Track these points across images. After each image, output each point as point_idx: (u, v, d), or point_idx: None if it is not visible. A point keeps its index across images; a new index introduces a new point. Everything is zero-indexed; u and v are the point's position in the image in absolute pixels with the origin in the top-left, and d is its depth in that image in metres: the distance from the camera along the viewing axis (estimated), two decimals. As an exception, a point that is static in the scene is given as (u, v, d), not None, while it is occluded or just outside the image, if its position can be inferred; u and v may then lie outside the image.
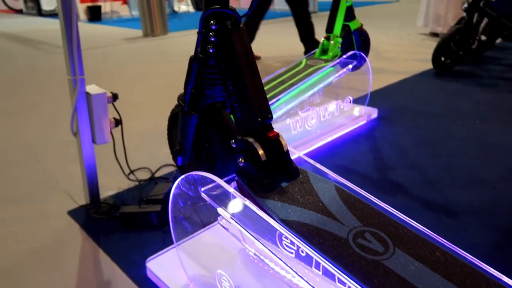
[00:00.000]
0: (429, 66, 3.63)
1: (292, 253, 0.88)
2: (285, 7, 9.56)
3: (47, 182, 1.81)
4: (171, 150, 1.09)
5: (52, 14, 10.37)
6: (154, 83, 3.44)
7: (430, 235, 0.82)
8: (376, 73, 3.42)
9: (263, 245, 0.79)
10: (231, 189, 0.87)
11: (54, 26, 8.11)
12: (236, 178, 0.91)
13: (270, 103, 1.84)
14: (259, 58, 4.03)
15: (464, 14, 3.34)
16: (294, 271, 0.73)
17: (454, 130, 2.24)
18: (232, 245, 1.16)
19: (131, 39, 6.02)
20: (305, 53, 3.84)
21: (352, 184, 0.95)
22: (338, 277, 0.71)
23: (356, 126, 2.34)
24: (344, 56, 2.16)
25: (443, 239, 0.83)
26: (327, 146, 2.10)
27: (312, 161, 1.03)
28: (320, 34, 4.04)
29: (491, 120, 2.37)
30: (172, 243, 1.34)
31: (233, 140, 0.91)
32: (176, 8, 10.14)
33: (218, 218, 0.88)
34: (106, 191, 1.72)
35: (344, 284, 0.70)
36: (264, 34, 5.73)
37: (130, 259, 1.30)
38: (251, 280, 1.01)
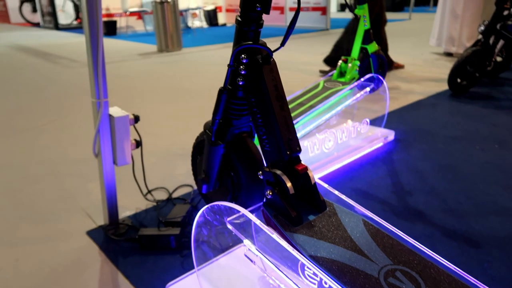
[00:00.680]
0: (445, 87, 3.63)
1: (314, 283, 0.87)
2: (301, 23, 9.62)
3: (66, 201, 1.83)
4: (195, 177, 1.10)
5: (68, 28, 10.61)
6: (169, 99, 3.47)
7: (461, 274, 0.81)
8: (392, 93, 3.43)
9: (287, 276, 0.78)
10: (257, 221, 0.87)
11: (70, 40, 8.28)
12: (262, 209, 0.91)
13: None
14: (402, 67, 4.12)
15: (480, 35, 3.34)
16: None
17: (472, 154, 2.22)
18: (252, 272, 1.15)
19: (146, 54, 6.11)
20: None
21: (379, 218, 0.94)
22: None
23: (373, 148, 2.33)
24: (362, 79, 2.16)
25: (475, 280, 0.81)
26: (344, 168, 2.09)
27: (337, 192, 1.02)
28: (330, 48, 4.08)
29: (510, 145, 2.34)
30: (191, 267, 1.34)
31: (260, 172, 0.91)
32: (189, 24, 10.31)
33: (245, 250, 0.87)
34: (124, 211, 1.73)
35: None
36: (281, 51, 5.77)
37: (150, 283, 1.29)
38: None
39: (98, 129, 1.46)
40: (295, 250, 0.79)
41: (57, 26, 10.52)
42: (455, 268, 0.82)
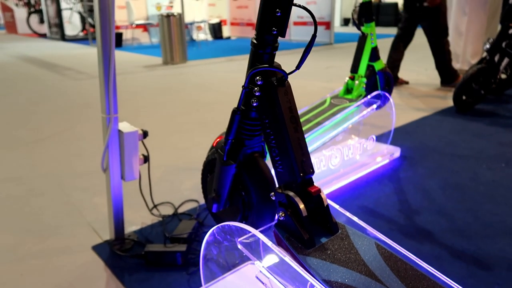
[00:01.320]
0: (450, 103, 3.63)
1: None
2: (301, 37, 9.69)
3: (72, 215, 1.82)
4: (205, 196, 1.10)
5: (74, 39, 10.72)
6: (174, 112, 3.49)
7: None
8: (397, 109, 3.43)
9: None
10: (269, 242, 0.86)
11: (77, 51, 8.36)
12: (274, 230, 0.90)
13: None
14: (407, 83, 4.23)
15: (485, 53, 3.36)
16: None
17: (479, 173, 2.21)
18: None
19: (151, 67, 6.16)
20: (441, 83, 4.06)
21: (391, 241, 0.93)
22: None
23: (379, 165, 2.32)
24: (369, 96, 2.17)
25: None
26: (351, 185, 2.08)
27: (348, 214, 1.02)
28: (334, 63, 4.10)
29: (517, 164, 2.34)
30: (197, 285, 1.33)
31: (273, 193, 0.91)
32: (194, 37, 10.40)
33: (256, 272, 0.87)
34: (130, 226, 1.72)
35: None
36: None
37: (155, 301, 1.28)
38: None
39: (107, 144, 1.46)
40: (308, 274, 0.79)
41: (63, 37, 10.64)
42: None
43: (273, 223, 0.90)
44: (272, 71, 0.89)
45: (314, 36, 0.87)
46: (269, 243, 0.85)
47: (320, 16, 9.23)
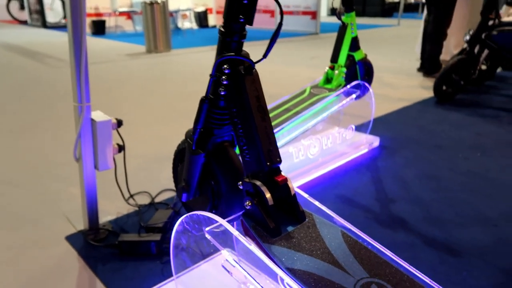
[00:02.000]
0: (431, 93, 3.66)
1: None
2: (291, 27, 9.61)
3: (46, 205, 1.79)
4: (176, 185, 1.09)
5: (56, 27, 10.48)
6: (155, 101, 3.45)
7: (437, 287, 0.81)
8: (378, 99, 3.44)
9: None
10: (236, 232, 0.86)
11: (58, 38, 8.18)
12: (241, 219, 0.90)
13: (275, 131, 1.85)
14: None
15: (465, 44, 3.39)
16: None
17: (456, 163, 2.24)
18: (232, 281, 1.14)
19: (134, 55, 6.07)
20: (424, 73, 4.13)
21: (358, 230, 0.94)
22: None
23: (358, 154, 2.34)
24: (348, 86, 2.17)
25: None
26: (329, 174, 2.09)
27: (317, 203, 1.02)
28: (319, 52, 4.09)
29: (493, 154, 2.38)
30: (171, 275, 1.32)
31: (240, 182, 0.90)
32: (179, 25, 10.27)
33: (222, 261, 0.87)
34: (105, 216, 1.70)
35: None
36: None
37: (128, 291, 1.27)
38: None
39: (80, 133, 1.44)
40: (272, 262, 0.79)
41: (45, 24, 10.38)
42: (431, 282, 0.82)
43: (241, 212, 0.90)
44: (240, 60, 0.88)
45: (280, 24, 0.86)
46: (235, 232, 0.85)
47: (306, 5, 9.19)
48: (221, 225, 0.90)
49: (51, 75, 4.53)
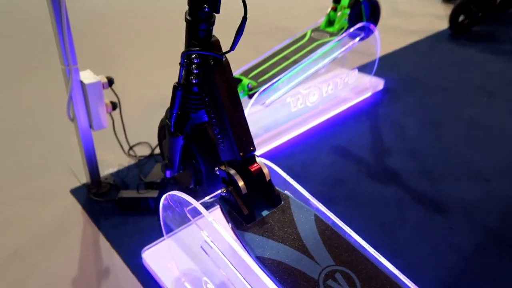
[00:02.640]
0: (446, 25, 3.44)
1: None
2: None
3: (50, 156, 1.86)
4: (163, 157, 1.12)
5: None
6: (150, 42, 3.34)
7: (402, 278, 0.86)
8: (388, 32, 3.26)
9: (239, 272, 0.84)
10: (210, 217, 0.90)
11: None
12: (218, 202, 0.94)
13: (272, 82, 1.81)
14: None
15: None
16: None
17: (460, 109, 2.19)
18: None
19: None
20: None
21: (331, 213, 0.97)
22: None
23: (360, 99, 2.29)
24: (351, 30, 2.06)
25: (412, 283, 0.86)
26: (327, 123, 2.09)
27: (296, 184, 1.04)
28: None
29: (499, 99, 2.30)
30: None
31: (217, 168, 0.92)
32: None
33: (200, 242, 0.92)
34: (107, 168, 1.77)
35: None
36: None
37: (128, 246, 1.38)
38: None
39: (70, 96, 1.44)
40: (244, 250, 0.84)
41: None
42: (400, 273, 0.87)
43: (218, 194, 0.93)
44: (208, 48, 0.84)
45: (244, 19, 0.81)
46: (210, 218, 0.89)
47: None
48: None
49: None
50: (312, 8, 3.94)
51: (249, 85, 1.79)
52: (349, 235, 0.91)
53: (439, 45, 3.08)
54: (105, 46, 3.11)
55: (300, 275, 0.79)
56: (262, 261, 0.81)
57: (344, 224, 0.95)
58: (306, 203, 0.96)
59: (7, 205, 1.58)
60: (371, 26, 2.12)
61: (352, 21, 2.08)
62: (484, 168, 1.74)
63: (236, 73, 1.89)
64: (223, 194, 0.91)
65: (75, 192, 1.64)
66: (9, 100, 2.38)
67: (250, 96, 1.80)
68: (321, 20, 2.18)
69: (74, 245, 1.40)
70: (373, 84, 2.38)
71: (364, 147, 1.89)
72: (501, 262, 1.30)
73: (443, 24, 3.42)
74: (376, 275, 0.80)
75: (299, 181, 1.71)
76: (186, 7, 0.87)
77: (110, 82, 1.53)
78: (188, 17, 0.86)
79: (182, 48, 0.92)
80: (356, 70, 2.24)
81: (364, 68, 2.49)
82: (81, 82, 1.44)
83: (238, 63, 1.88)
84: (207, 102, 0.89)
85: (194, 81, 0.89)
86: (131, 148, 1.86)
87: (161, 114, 2.15)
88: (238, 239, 0.86)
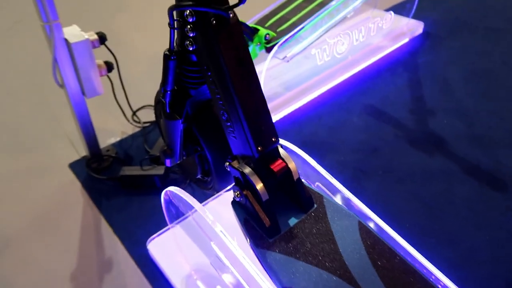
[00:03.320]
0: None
1: None
2: None
3: (48, 126, 1.67)
4: (163, 138, 0.90)
5: None
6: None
7: None
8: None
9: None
10: (219, 227, 0.69)
11: None
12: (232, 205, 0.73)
13: (294, 31, 1.52)
14: None
15: None
16: None
17: (515, 55, 1.86)
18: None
19: None
20: None
21: (378, 218, 0.75)
22: None
23: (396, 47, 1.98)
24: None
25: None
26: (358, 77, 1.80)
27: (331, 178, 0.81)
28: None
29: None
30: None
31: (227, 164, 0.70)
32: None
33: (211, 260, 0.73)
34: (109, 138, 1.57)
35: None
36: None
37: (133, 233, 1.21)
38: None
39: (55, 58, 1.21)
40: (267, 276, 0.64)
41: None
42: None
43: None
44: (208, 4, 0.57)
45: None
46: (218, 228, 0.68)
47: None
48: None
49: None
50: None
51: (267, 36, 1.51)
52: (403, 249, 0.69)
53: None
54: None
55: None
56: (291, 295, 0.61)
57: (396, 233, 0.73)
58: (347, 204, 0.74)
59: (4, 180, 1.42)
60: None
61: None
62: (548, 130, 1.46)
63: (250, 21, 1.59)
64: (237, 199, 0.70)
65: (74, 166, 1.46)
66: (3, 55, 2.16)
67: (268, 50, 1.52)
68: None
69: (73, 230, 1.24)
70: (411, 27, 2.04)
71: (401, 106, 1.62)
72: None
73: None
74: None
75: (326, 149, 1.49)
76: None
77: (102, 39, 1.28)
78: None
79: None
80: (392, 12, 1.89)
81: (400, 9, 2.13)
82: (66, 40, 1.20)
83: (253, 9, 1.58)
84: (210, 78, 0.65)
85: (190, 48, 0.64)
86: (134, 113, 1.65)
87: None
88: (259, 260, 0.65)
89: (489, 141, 1.43)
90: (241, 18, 0.67)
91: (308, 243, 0.66)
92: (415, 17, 2.07)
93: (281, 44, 1.52)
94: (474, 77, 1.74)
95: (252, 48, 1.48)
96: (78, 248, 1.20)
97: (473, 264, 1.06)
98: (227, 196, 1.04)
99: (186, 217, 1.05)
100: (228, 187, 0.81)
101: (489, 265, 1.07)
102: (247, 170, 0.65)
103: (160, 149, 0.81)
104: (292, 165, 0.67)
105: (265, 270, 0.64)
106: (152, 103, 1.75)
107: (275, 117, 1.60)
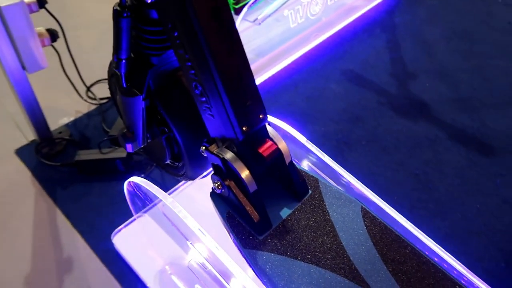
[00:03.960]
0: None
1: None
2: None
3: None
4: (120, 116, 0.74)
5: None
6: None
7: None
8: None
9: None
10: (196, 225, 0.57)
11: None
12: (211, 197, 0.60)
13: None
14: None
15: None
16: None
17: (494, 12, 1.78)
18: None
19: None
20: None
21: (382, 201, 0.64)
22: None
23: (372, 5, 1.85)
24: None
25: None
26: (334, 39, 1.68)
27: (324, 157, 0.70)
28: None
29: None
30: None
31: (203, 148, 0.57)
32: None
33: (188, 262, 0.61)
34: (61, 117, 1.39)
35: None
36: None
37: (95, 226, 1.07)
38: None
39: (-19, 25, 1.01)
40: (259, 281, 0.52)
41: None
42: None
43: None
44: None
45: None
46: (195, 225, 0.56)
47: None
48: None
49: None
50: None
51: (235, -5, 1.35)
52: (414, 236, 0.60)
53: None
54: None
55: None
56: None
57: (400, 215, 0.63)
58: (347, 188, 0.63)
59: None
60: None
61: None
62: (532, 89, 1.41)
63: (215, -21, 1.42)
64: (218, 191, 0.57)
65: (22, 152, 1.28)
66: None
67: (238, 11, 1.37)
68: None
69: (24, 226, 1.08)
70: (386, -15, 1.92)
71: (382, 69, 1.52)
72: None
73: None
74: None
75: (305, 121, 1.38)
76: None
77: (41, 2, 1.09)
78: None
79: None
80: (367, -32, 1.76)
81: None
82: (-7, 4, 0.99)
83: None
84: (176, 39, 0.50)
85: (148, 0, 0.49)
86: (88, 89, 1.46)
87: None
88: (248, 264, 0.54)
89: (473, 103, 1.37)
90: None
91: (305, 237, 0.55)
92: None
93: (251, 5, 1.37)
94: (454, 37, 1.66)
95: (219, 9, 1.32)
96: (32, 247, 1.04)
97: (466, 235, 1.01)
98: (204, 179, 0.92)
99: (155, 205, 0.92)
100: (205, 173, 0.68)
101: (482, 236, 1.01)
102: (229, 155, 0.52)
103: (119, 131, 0.66)
104: (283, 146, 0.55)
105: (257, 275, 0.52)
106: (105, 75, 1.57)
107: (247, 87, 1.46)
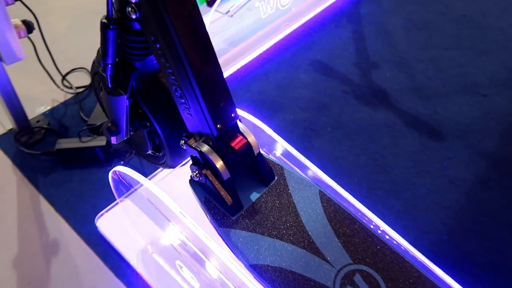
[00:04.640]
0: None
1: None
2: None
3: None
4: (104, 112, 0.80)
5: None
6: None
7: (432, 270, 0.68)
8: None
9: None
10: (178, 208, 0.66)
11: None
12: (189, 181, 0.69)
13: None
14: None
15: None
16: None
17: (451, 4, 1.90)
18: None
19: None
20: None
21: (338, 185, 0.75)
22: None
23: (338, -3, 1.94)
24: None
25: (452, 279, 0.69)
26: (303, 30, 1.76)
27: (292, 149, 0.79)
28: None
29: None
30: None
31: (183, 142, 0.65)
32: None
33: (171, 240, 0.69)
34: (38, 107, 1.42)
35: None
36: None
37: (78, 209, 1.13)
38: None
39: (-41, 19, 1.03)
40: (232, 255, 0.62)
41: None
42: (429, 262, 0.69)
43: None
44: None
45: None
46: (177, 209, 0.65)
47: None
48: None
49: None
50: None
51: (207, -12, 1.40)
52: (363, 214, 0.71)
53: None
54: None
55: (310, 285, 0.60)
56: (258, 272, 0.60)
57: (354, 197, 0.74)
58: (306, 173, 0.73)
59: None
60: None
61: None
62: (481, 79, 1.54)
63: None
64: (196, 179, 0.66)
65: (0, 141, 1.31)
66: None
67: (210, 3, 1.42)
68: None
69: (8, 214, 1.13)
70: (353, -24, 2.00)
71: (347, 60, 1.62)
72: (503, 195, 1.18)
73: None
74: (404, 272, 0.62)
75: (275, 109, 1.47)
76: None
77: (16, -7, 1.11)
78: None
79: None
80: (334, -40, 1.84)
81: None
82: (-31, -2, 1.02)
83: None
84: (158, 50, 0.57)
85: (133, 16, 0.56)
86: (64, 77, 1.49)
87: (94, 28, 1.74)
88: (223, 240, 0.63)
89: (427, 92, 1.49)
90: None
91: (271, 217, 0.65)
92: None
93: (223, -3, 1.43)
94: (414, 28, 1.77)
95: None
96: (18, 233, 1.10)
97: (415, 212, 1.14)
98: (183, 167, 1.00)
99: (136, 190, 0.99)
100: (183, 162, 0.77)
101: (429, 212, 1.14)
102: (206, 148, 0.61)
103: (104, 125, 0.73)
104: (252, 139, 0.64)
105: (230, 249, 0.62)
106: (84, 65, 1.60)
107: (220, 76, 1.53)
